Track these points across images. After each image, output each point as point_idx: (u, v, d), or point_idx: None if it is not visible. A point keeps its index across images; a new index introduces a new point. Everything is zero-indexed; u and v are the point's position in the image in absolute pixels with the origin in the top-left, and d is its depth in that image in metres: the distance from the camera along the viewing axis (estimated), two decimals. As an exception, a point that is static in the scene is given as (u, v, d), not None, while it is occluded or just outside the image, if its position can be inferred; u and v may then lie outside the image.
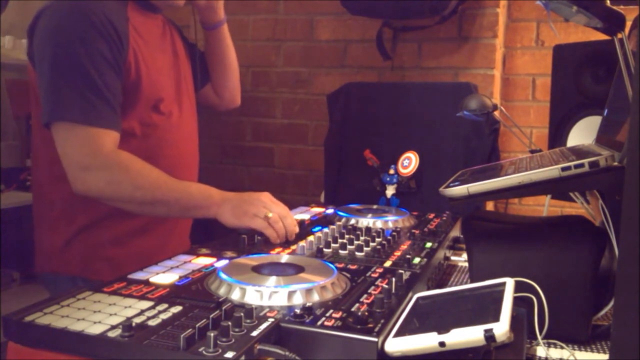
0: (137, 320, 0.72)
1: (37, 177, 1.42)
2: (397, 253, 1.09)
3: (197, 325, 0.67)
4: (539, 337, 0.86)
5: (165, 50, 1.45)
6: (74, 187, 1.23)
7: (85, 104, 1.21)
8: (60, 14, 1.23)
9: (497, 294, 0.81)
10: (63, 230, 1.35)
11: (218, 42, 1.63)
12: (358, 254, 1.08)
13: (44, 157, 1.34)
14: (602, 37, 1.09)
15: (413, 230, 1.26)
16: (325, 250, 1.08)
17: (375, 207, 1.50)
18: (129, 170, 1.23)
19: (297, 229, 1.22)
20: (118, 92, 1.26)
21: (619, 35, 1.03)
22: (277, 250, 1.11)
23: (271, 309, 0.77)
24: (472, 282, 0.98)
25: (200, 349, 0.64)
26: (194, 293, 0.84)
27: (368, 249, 1.11)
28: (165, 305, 0.77)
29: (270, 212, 1.19)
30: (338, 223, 1.29)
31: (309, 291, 0.82)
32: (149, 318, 0.73)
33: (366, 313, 0.76)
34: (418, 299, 0.87)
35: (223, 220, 1.22)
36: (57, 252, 1.37)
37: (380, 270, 0.98)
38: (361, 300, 0.83)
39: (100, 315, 0.74)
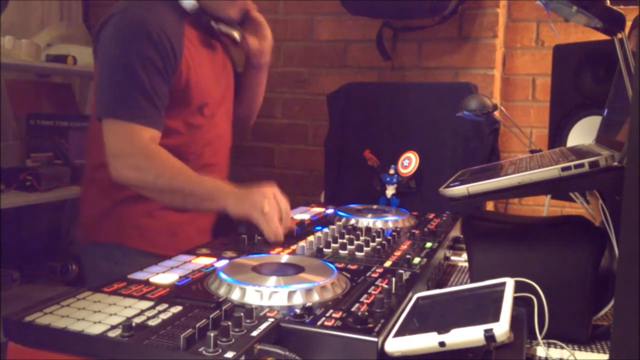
0: (137, 320, 0.72)
1: (89, 160, 1.60)
2: (397, 253, 1.09)
3: (197, 325, 0.67)
4: (539, 337, 0.86)
5: (215, 62, 1.58)
6: (110, 174, 1.38)
7: (132, 103, 1.37)
8: (123, 23, 1.40)
9: (497, 294, 0.81)
10: (102, 203, 1.51)
11: (257, 78, 1.77)
12: (358, 254, 1.08)
13: (96, 145, 1.47)
14: (602, 37, 1.09)
15: (413, 230, 1.26)
16: (325, 250, 1.08)
17: (375, 207, 1.50)
18: (153, 159, 1.36)
19: (292, 226, 1.25)
20: (164, 95, 1.41)
21: (619, 35, 1.03)
22: (277, 250, 1.11)
23: (271, 309, 0.77)
24: (472, 282, 0.98)
25: (200, 349, 0.64)
26: (194, 293, 0.84)
27: (368, 249, 1.11)
28: (165, 305, 0.77)
29: (266, 206, 1.23)
30: (338, 223, 1.29)
31: (309, 291, 0.82)
32: (149, 318, 0.73)
33: (366, 313, 0.76)
34: (418, 299, 0.87)
35: (229, 211, 1.30)
36: (95, 222, 1.53)
37: (380, 270, 0.97)
38: (361, 300, 0.83)
39: (100, 315, 0.74)
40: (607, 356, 0.89)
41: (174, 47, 1.42)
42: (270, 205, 1.23)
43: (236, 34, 1.56)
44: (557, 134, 1.56)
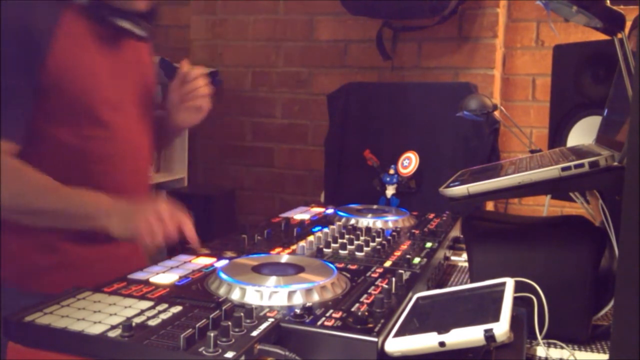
0: (137, 320, 0.72)
1: None
2: (397, 253, 1.09)
3: (197, 325, 0.67)
4: (539, 337, 0.86)
5: (116, 60, 1.32)
6: None
7: None
8: None
9: (497, 294, 0.81)
10: None
11: (175, 131, 1.53)
12: (358, 254, 1.08)
13: None
14: (602, 37, 1.09)
15: (413, 230, 1.26)
16: (325, 250, 1.08)
17: (375, 207, 1.50)
18: (7, 176, 1.12)
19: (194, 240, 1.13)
20: (24, 95, 1.17)
21: (619, 35, 1.03)
22: (277, 250, 1.11)
23: (271, 309, 0.77)
24: (472, 282, 0.98)
25: (200, 349, 0.64)
26: (194, 293, 0.84)
27: (368, 249, 1.11)
28: (165, 305, 0.77)
29: (153, 226, 1.11)
30: (338, 223, 1.29)
31: (309, 291, 0.82)
32: (149, 318, 0.73)
33: (366, 313, 0.76)
34: (418, 299, 0.87)
35: (111, 231, 1.14)
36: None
37: (380, 270, 0.97)
38: (361, 300, 0.83)
39: (100, 315, 0.74)
40: (607, 356, 0.89)
41: (35, 37, 1.16)
42: (157, 226, 1.10)
43: (140, 31, 1.29)
44: (557, 134, 1.56)
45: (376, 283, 0.90)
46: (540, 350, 0.88)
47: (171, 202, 1.18)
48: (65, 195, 1.16)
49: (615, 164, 0.88)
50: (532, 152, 1.43)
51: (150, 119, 1.42)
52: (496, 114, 1.56)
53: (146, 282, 0.87)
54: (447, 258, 1.27)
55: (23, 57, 1.16)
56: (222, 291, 0.83)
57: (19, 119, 1.17)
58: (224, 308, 0.72)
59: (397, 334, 0.74)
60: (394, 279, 0.88)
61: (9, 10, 1.16)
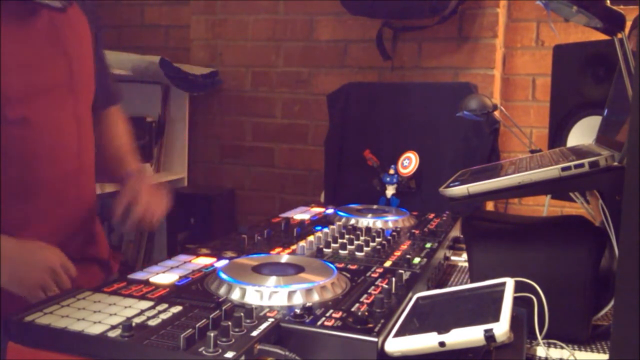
0: (137, 320, 0.72)
1: None
2: (397, 253, 1.09)
3: (197, 325, 0.67)
4: (539, 337, 0.86)
5: (32, 39, 1.08)
6: None
7: None
8: None
9: (497, 294, 0.81)
10: None
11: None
12: (358, 254, 1.08)
13: None
14: (602, 37, 1.09)
15: (413, 230, 1.26)
16: (325, 250, 1.08)
17: (375, 207, 1.50)
18: None
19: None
20: None
21: (619, 35, 1.03)
22: (277, 250, 1.10)
23: (271, 309, 0.77)
24: (472, 282, 0.98)
25: (200, 349, 0.64)
26: (194, 293, 0.84)
27: (368, 249, 1.11)
28: (165, 305, 0.77)
29: (53, 287, 1.00)
30: (338, 223, 1.29)
31: (309, 291, 0.82)
32: (149, 318, 0.73)
33: (366, 313, 0.76)
34: (418, 299, 0.87)
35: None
36: None
37: (380, 270, 0.97)
38: (361, 300, 0.83)
39: (100, 315, 0.74)
40: (607, 356, 0.89)
41: None
42: (56, 284, 0.99)
43: (56, 2, 1.09)
44: (557, 134, 1.56)
45: (376, 283, 0.90)
46: (540, 350, 0.88)
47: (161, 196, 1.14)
48: None
49: (615, 164, 0.88)
50: (532, 152, 1.43)
51: (89, 109, 1.20)
52: (496, 114, 1.56)
53: (146, 282, 0.87)
54: (447, 258, 1.27)
55: None
56: (222, 291, 0.83)
57: None
58: (224, 308, 0.72)
59: (397, 334, 0.74)
60: (394, 279, 0.88)
61: None
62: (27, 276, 0.98)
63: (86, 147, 1.19)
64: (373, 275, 0.95)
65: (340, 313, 0.77)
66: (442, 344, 0.70)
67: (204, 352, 0.64)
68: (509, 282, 0.84)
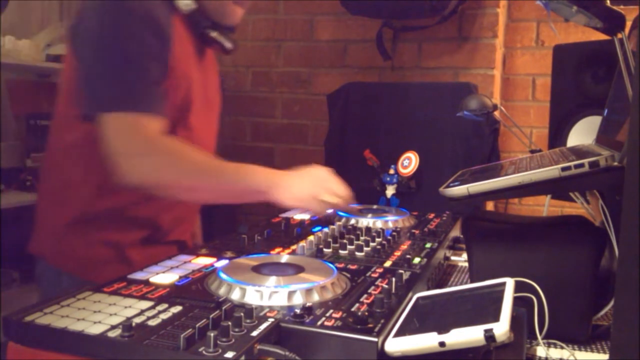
0: (137, 320, 0.72)
1: (51, 181, 1.38)
2: (397, 253, 1.09)
3: (197, 325, 0.67)
4: (539, 337, 0.86)
5: (204, 68, 1.41)
6: (118, 178, 1.16)
7: (131, 92, 1.18)
8: (105, 11, 1.20)
9: (497, 294, 0.81)
10: (53, 223, 1.32)
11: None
12: (358, 254, 1.08)
13: (58, 167, 1.35)
14: (602, 37, 1.09)
15: (413, 230, 1.26)
16: (325, 250, 1.08)
17: (375, 207, 1.50)
18: (172, 155, 1.18)
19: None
20: (162, 83, 1.23)
21: (619, 35, 1.03)
22: (277, 250, 1.11)
23: (271, 309, 0.77)
24: (472, 282, 0.98)
25: (200, 349, 0.64)
26: (194, 293, 0.84)
27: (368, 249, 1.11)
28: (165, 305, 0.77)
29: (326, 195, 1.22)
30: (338, 223, 1.29)
31: (309, 291, 0.82)
32: (149, 318, 0.73)
33: (366, 313, 0.76)
34: (418, 299, 0.87)
35: (280, 202, 1.22)
36: (45, 242, 1.34)
37: (380, 270, 0.97)
38: (361, 300, 0.83)
39: (100, 315, 0.74)
40: (607, 356, 0.89)
41: (165, 31, 1.23)
42: (330, 194, 1.23)
43: (229, 44, 1.40)
44: (557, 134, 1.56)
45: (376, 283, 0.90)
46: (540, 350, 0.88)
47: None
48: (228, 171, 1.22)
49: (615, 164, 0.88)
50: (532, 152, 1.43)
51: (216, 128, 1.51)
52: (496, 114, 1.56)
53: (146, 282, 0.87)
54: (447, 258, 1.27)
55: (156, 44, 1.21)
56: (222, 291, 0.83)
57: (163, 99, 1.22)
58: (224, 308, 0.72)
59: (397, 334, 0.74)
60: (394, 279, 0.88)
61: (134, 2, 1.20)
62: (304, 190, 1.25)
63: (214, 146, 1.48)
64: (373, 275, 0.95)
65: (340, 313, 0.77)
66: (442, 344, 0.70)
67: (204, 352, 0.64)
68: (509, 282, 0.84)
